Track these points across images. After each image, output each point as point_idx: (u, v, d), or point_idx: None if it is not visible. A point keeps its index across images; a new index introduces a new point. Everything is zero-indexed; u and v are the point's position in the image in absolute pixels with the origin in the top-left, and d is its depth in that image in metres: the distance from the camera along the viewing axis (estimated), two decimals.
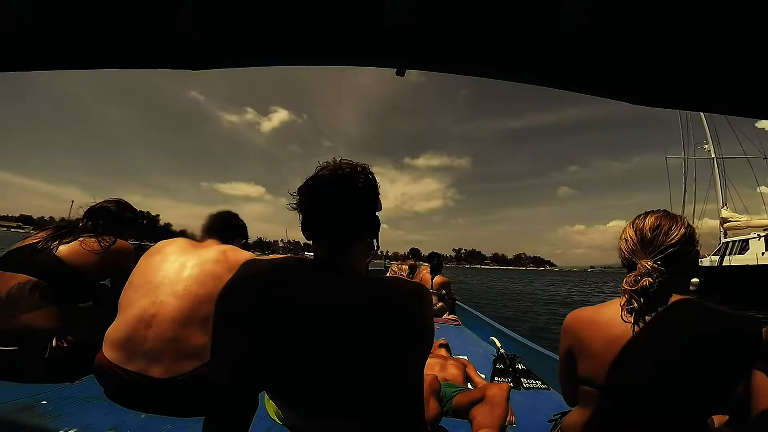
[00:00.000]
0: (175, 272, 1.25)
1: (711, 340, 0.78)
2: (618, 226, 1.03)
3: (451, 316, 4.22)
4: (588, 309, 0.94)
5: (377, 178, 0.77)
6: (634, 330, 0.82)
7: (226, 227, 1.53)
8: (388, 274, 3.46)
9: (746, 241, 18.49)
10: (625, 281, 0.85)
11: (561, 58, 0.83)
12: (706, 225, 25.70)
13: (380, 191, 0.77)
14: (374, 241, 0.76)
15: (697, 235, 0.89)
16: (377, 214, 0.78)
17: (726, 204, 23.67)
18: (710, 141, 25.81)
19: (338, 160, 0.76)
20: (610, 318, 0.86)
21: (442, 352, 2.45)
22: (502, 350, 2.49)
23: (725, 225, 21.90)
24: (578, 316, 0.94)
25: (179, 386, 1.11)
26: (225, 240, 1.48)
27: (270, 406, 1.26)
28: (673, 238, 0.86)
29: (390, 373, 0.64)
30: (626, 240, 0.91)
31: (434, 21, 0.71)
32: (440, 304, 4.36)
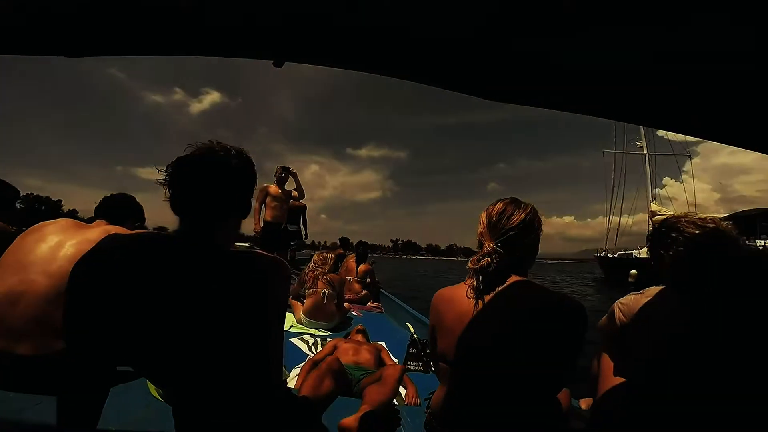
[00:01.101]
0: (51, 251, 1.20)
1: (539, 316, 0.84)
2: None
3: (375, 304, 4.36)
4: (450, 287, 0.98)
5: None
6: (476, 308, 0.87)
7: (115, 208, 1.47)
8: (310, 263, 3.45)
9: None
10: (471, 261, 0.90)
11: (444, 57, 0.84)
12: (641, 219, 27.18)
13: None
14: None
15: (538, 222, 0.96)
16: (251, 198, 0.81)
17: (654, 198, 24.88)
18: (643, 138, 26.78)
19: (216, 142, 0.78)
20: (461, 296, 0.90)
21: (359, 337, 2.59)
22: (415, 335, 2.65)
23: (653, 218, 23.11)
24: (440, 294, 0.98)
25: (49, 364, 1.09)
26: (114, 221, 1.42)
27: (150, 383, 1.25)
28: (513, 223, 0.91)
29: (246, 344, 0.67)
30: (480, 224, 0.96)
31: (309, 10, 0.68)
32: (364, 291, 4.47)
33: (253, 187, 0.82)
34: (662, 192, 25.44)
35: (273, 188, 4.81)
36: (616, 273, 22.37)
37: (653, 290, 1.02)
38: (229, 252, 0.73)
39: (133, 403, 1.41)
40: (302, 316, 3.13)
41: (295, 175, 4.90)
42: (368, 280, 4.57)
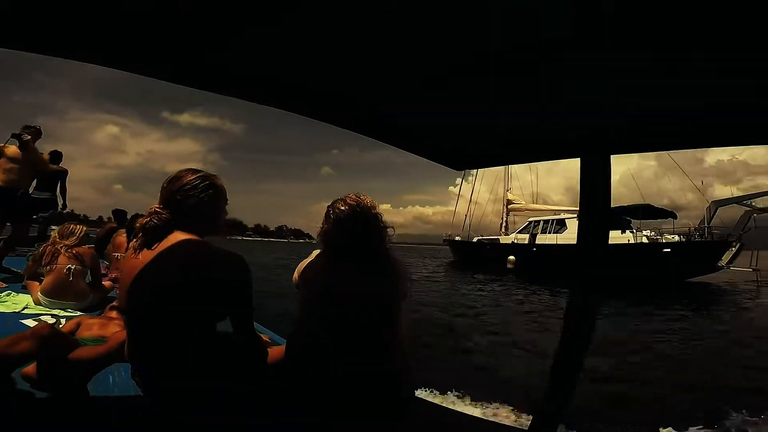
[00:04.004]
0: None
1: (195, 266, 0.95)
2: None
3: None
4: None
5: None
6: (138, 261, 0.97)
7: None
8: (51, 237, 2.95)
9: (562, 221, 18.94)
10: (138, 222, 1.02)
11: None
12: (498, 208, 26.98)
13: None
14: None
15: (205, 189, 1.06)
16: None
17: (510, 188, 25.76)
18: None
19: None
20: (131, 253, 1.02)
21: (113, 314, 2.37)
22: None
23: (509, 206, 24.49)
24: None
25: None
26: None
27: None
28: (174, 187, 1.04)
29: None
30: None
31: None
32: None
33: None
34: (516, 183, 26.32)
35: (11, 149, 3.78)
36: (470, 256, 23.62)
37: (315, 253, 1.22)
38: None
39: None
40: (40, 296, 2.69)
41: (35, 134, 3.94)
42: None
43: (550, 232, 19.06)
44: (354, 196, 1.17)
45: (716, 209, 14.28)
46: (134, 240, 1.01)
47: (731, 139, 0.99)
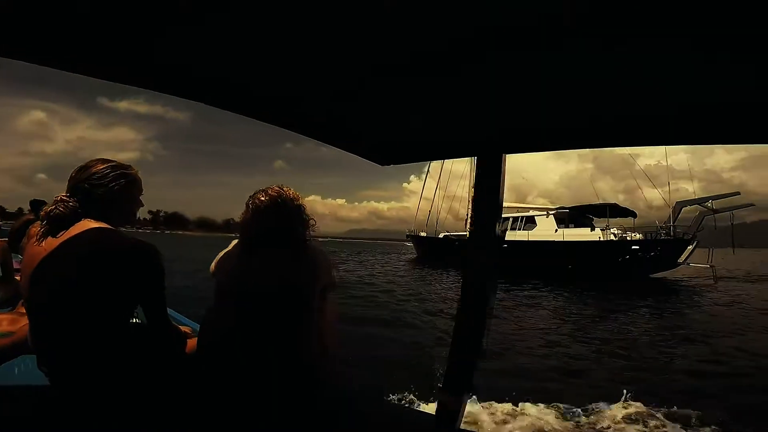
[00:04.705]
0: None
1: (98, 255, 0.94)
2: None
3: None
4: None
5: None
6: (43, 249, 0.96)
7: None
8: None
9: (531, 218, 19.47)
10: (43, 209, 1.01)
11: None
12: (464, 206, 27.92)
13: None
14: None
15: (116, 179, 1.05)
16: None
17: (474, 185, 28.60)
18: None
19: None
20: (33, 241, 1.00)
21: (23, 309, 1.83)
22: None
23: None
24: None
25: None
26: None
27: None
28: (83, 176, 1.04)
29: None
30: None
31: None
32: None
33: None
34: (465, 182, 27.04)
35: None
36: (436, 251, 23.48)
37: (234, 243, 1.21)
38: None
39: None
40: None
41: None
42: None
43: (519, 229, 19.48)
44: (277, 188, 1.17)
45: (681, 209, 15.28)
46: (38, 228, 1.00)
47: (623, 140, 1.09)
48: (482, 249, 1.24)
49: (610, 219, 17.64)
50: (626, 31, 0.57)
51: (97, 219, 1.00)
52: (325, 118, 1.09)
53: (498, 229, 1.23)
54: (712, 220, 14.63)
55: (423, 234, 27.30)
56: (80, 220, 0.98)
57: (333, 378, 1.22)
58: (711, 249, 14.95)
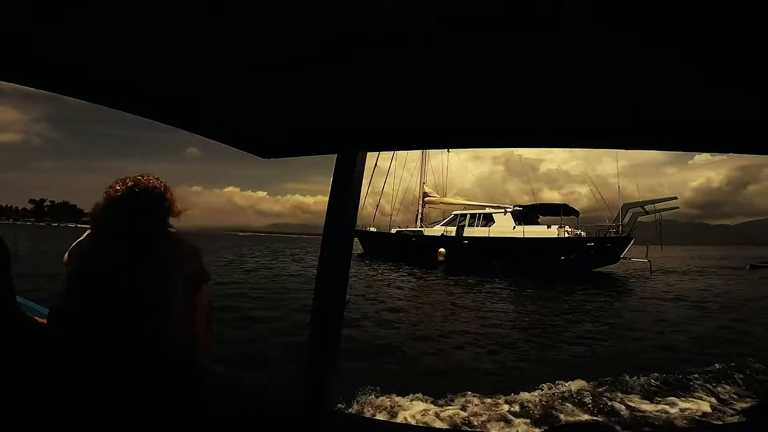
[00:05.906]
0: None
1: None
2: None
3: None
4: None
5: None
6: None
7: None
8: None
9: (489, 215, 19.97)
10: None
11: None
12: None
13: None
14: None
15: None
16: None
17: (426, 181, 26.54)
18: None
19: None
20: None
21: None
22: None
23: (426, 199, 25.01)
24: None
25: None
26: None
27: None
28: None
29: None
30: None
31: None
32: None
33: None
34: (431, 177, 27.42)
35: None
36: (388, 247, 22.88)
37: (87, 233, 1.12)
38: None
39: None
40: None
41: None
42: None
43: (477, 226, 20.00)
44: (136, 177, 1.11)
45: (627, 210, 17.04)
46: None
47: (469, 142, 1.16)
48: (337, 240, 1.31)
49: (553, 217, 19.09)
50: (488, 30, 0.59)
51: None
52: (205, 114, 1.12)
53: (352, 222, 1.33)
54: (643, 220, 16.77)
55: (373, 229, 26.85)
56: None
57: (197, 367, 1.10)
58: (648, 246, 17.05)
